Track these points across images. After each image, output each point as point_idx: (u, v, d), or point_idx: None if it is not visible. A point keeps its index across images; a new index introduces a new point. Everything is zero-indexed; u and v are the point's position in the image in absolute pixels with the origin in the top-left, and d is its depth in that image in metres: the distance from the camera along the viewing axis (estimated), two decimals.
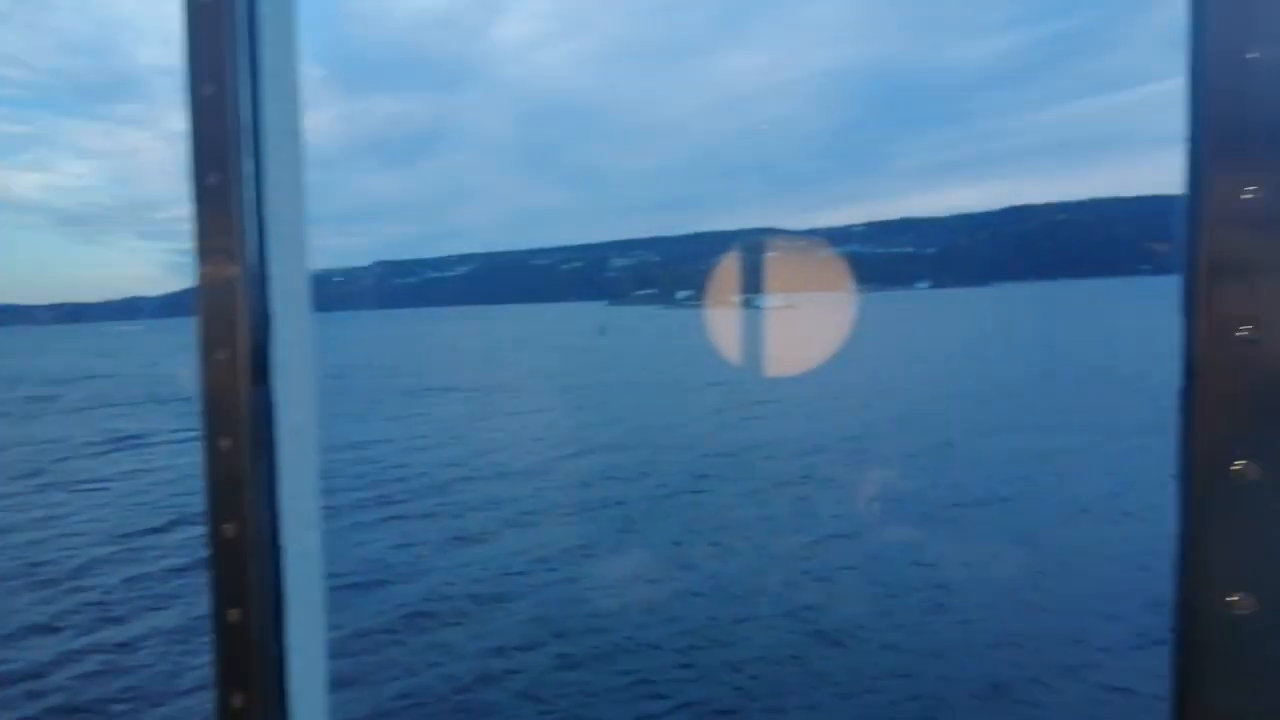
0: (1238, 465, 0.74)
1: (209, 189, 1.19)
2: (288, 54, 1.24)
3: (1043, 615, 10.83)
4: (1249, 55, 0.72)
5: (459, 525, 16.29)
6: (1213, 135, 0.74)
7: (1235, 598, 0.74)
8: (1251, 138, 0.73)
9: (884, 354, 53.48)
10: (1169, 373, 0.78)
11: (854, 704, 8.96)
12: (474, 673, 9.98)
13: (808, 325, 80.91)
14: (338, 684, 8.26)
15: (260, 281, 1.21)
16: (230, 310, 1.19)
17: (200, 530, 1.22)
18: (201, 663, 10.08)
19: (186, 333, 1.33)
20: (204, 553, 1.23)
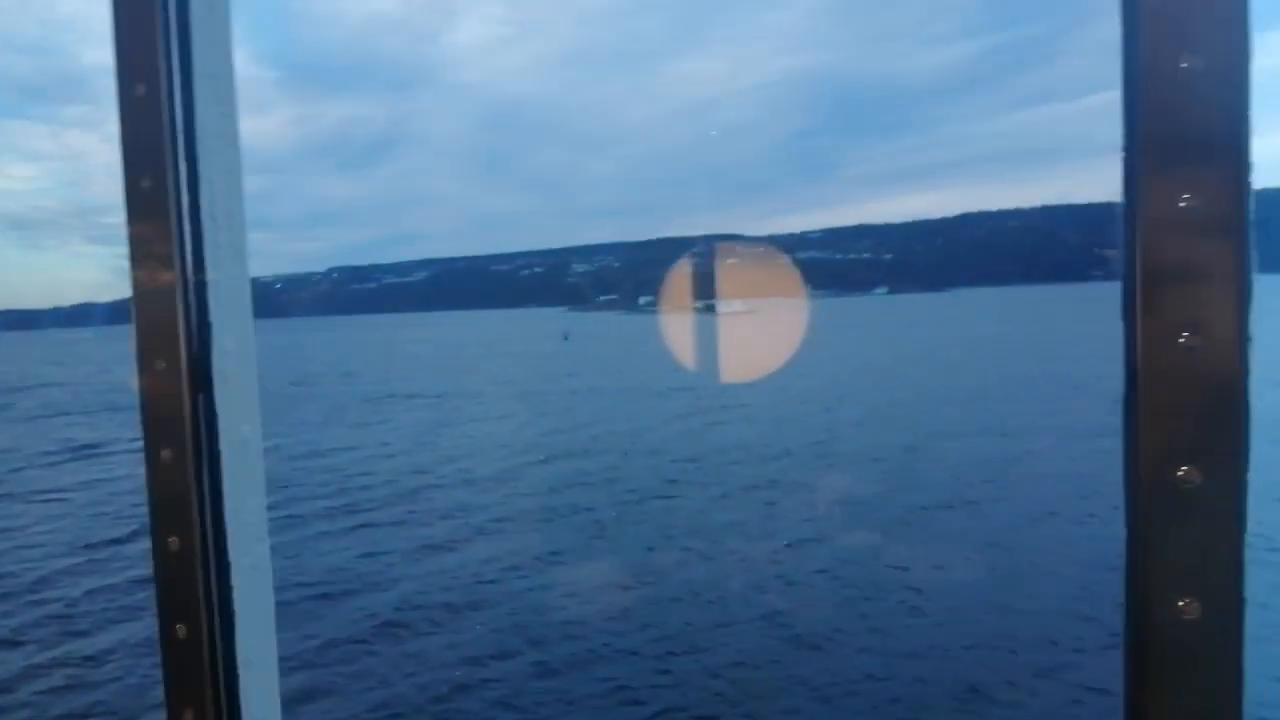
0: (1182, 471, 0.74)
1: (142, 193, 1.16)
2: (222, 55, 1.21)
3: (1015, 617, 10.98)
4: (1182, 64, 0.73)
5: (428, 533, 16.16)
6: (1148, 144, 0.75)
7: (1183, 603, 0.75)
8: (1185, 146, 0.73)
9: (845, 359, 54.00)
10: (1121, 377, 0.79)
11: (833, 708, 9.03)
12: (450, 682, 9.92)
13: (769, 331, 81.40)
14: (314, 695, 8.17)
15: (198, 289, 1.18)
16: (168, 319, 1.17)
17: None
18: None
19: None
20: None
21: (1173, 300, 0.74)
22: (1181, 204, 0.73)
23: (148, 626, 11.49)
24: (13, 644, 11.21)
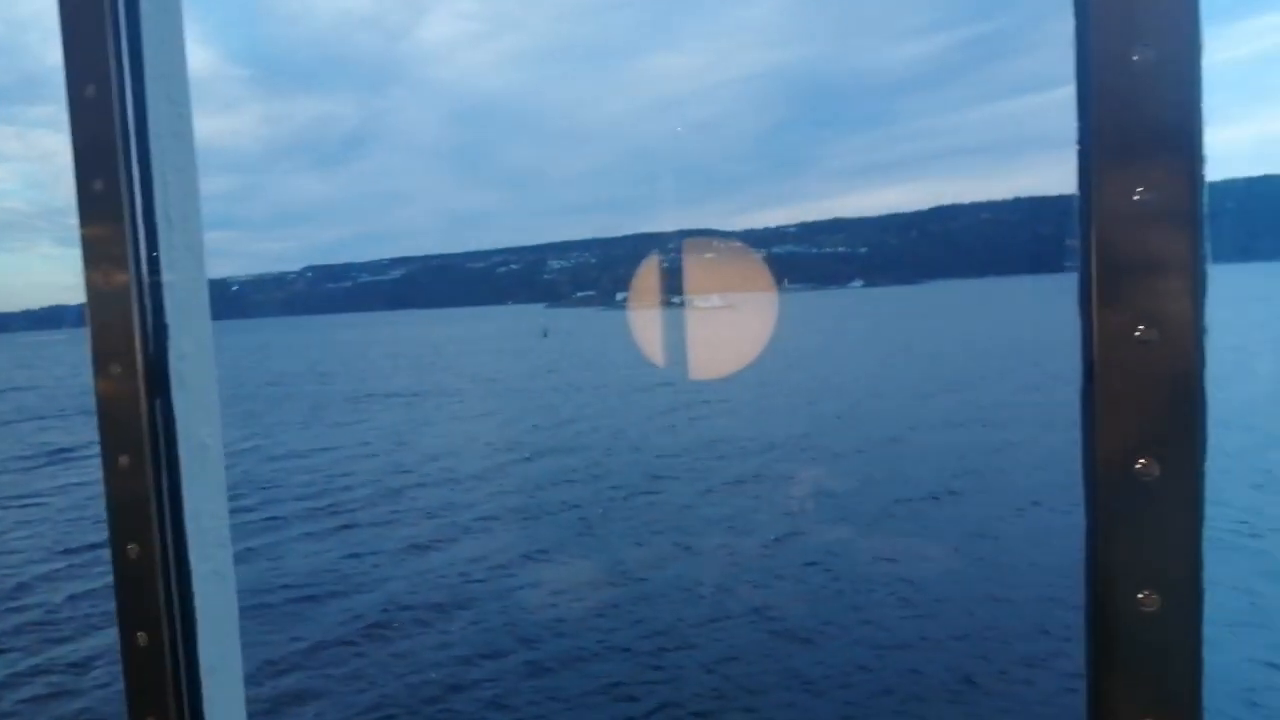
0: (1140, 464, 0.75)
1: (94, 195, 1.15)
2: (174, 54, 1.20)
3: (1004, 607, 11.06)
4: (1134, 57, 0.73)
5: (413, 533, 16.07)
6: (1101, 137, 0.75)
7: (1142, 594, 0.75)
8: (1139, 138, 0.73)
9: (823, 352, 54.26)
10: None
11: (826, 700, 9.06)
12: (440, 682, 9.87)
13: (748, 325, 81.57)
14: (304, 698, 8.08)
15: (154, 291, 1.17)
16: (123, 321, 1.15)
17: None
18: None
19: None
20: None
21: (1129, 293, 0.75)
22: (1136, 197, 0.74)
23: None
24: None
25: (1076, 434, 0.79)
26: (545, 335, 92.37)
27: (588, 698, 9.37)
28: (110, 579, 1.19)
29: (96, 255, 1.16)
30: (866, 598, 11.64)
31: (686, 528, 15.52)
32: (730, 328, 79.23)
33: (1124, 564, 0.76)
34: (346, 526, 16.74)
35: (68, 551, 15.21)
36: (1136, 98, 0.73)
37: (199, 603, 1.19)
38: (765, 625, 10.95)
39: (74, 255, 1.18)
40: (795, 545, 14.03)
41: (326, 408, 37.35)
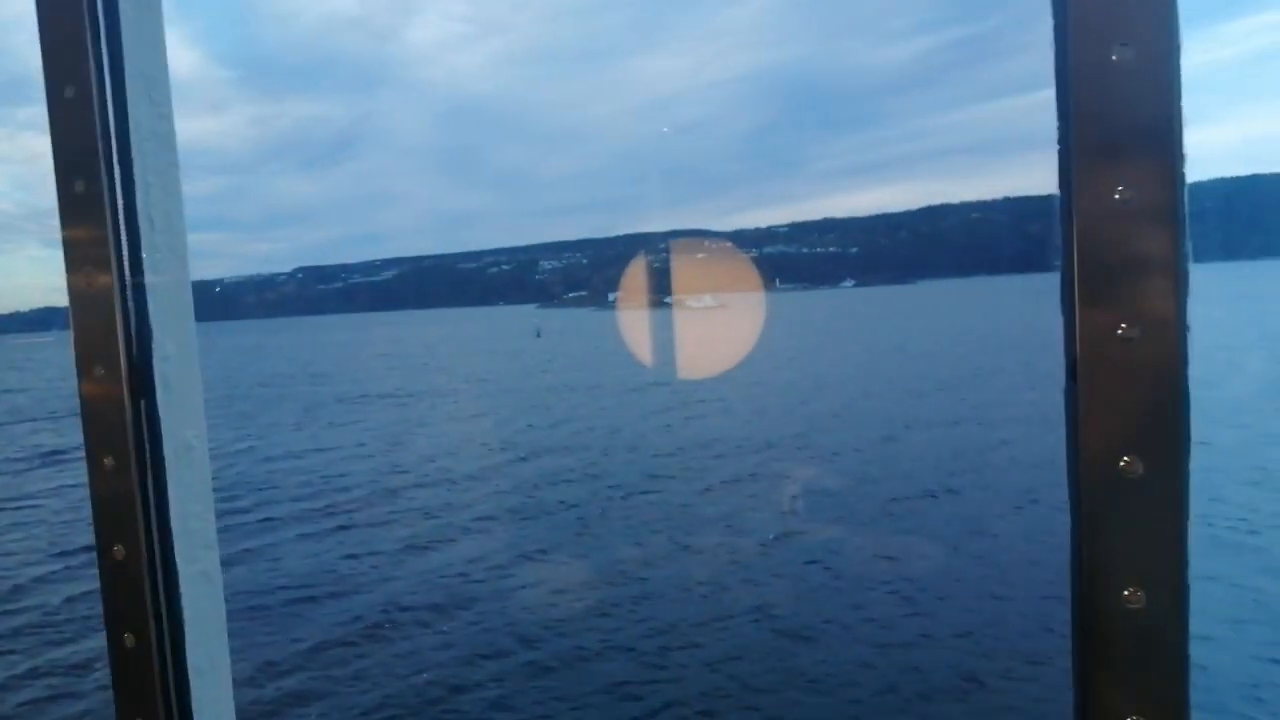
0: (1124, 462, 0.75)
1: (75, 197, 1.15)
2: (154, 54, 1.21)
3: (1004, 604, 11.09)
4: (1113, 56, 0.73)
5: (411, 533, 16.03)
6: (1082, 136, 0.75)
7: (1127, 592, 0.76)
8: (1119, 137, 0.74)
9: (817, 351, 54.34)
10: None
11: (831, 699, 9.06)
12: (442, 683, 9.84)
13: (740, 325, 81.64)
14: (305, 699, 8.03)
15: (136, 292, 1.17)
16: (106, 323, 1.15)
17: None
18: None
19: None
20: None
21: (1111, 292, 0.75)
22: (1117, 196, 0.74)
23: None
24: None
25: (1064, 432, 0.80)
26: (538, 336, 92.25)
27: (590, 697, 9.35)
28: None
29: (78, 257, 1.16)
30: (866, 596, 11.64)
31: (685, 527, 15.51)
32: (723, 327, 79.28)
33: (1109, 561, 0.76)
34: (343, 527, 16.68)
35: (64, 554, 15.14)
36: (1116, 97, 0.74)
37: (186, 604, 1.19)
38: (767, 624, 10.94)
39: (61, 257, 1.18)
40: (794, 544, 14.04)
41: (320, 409, 37.19)
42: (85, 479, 1.20)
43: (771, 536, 14.44)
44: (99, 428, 1.17)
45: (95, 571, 1.15)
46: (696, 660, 10.02)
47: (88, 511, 1.22)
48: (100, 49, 1.14)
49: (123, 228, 1.16)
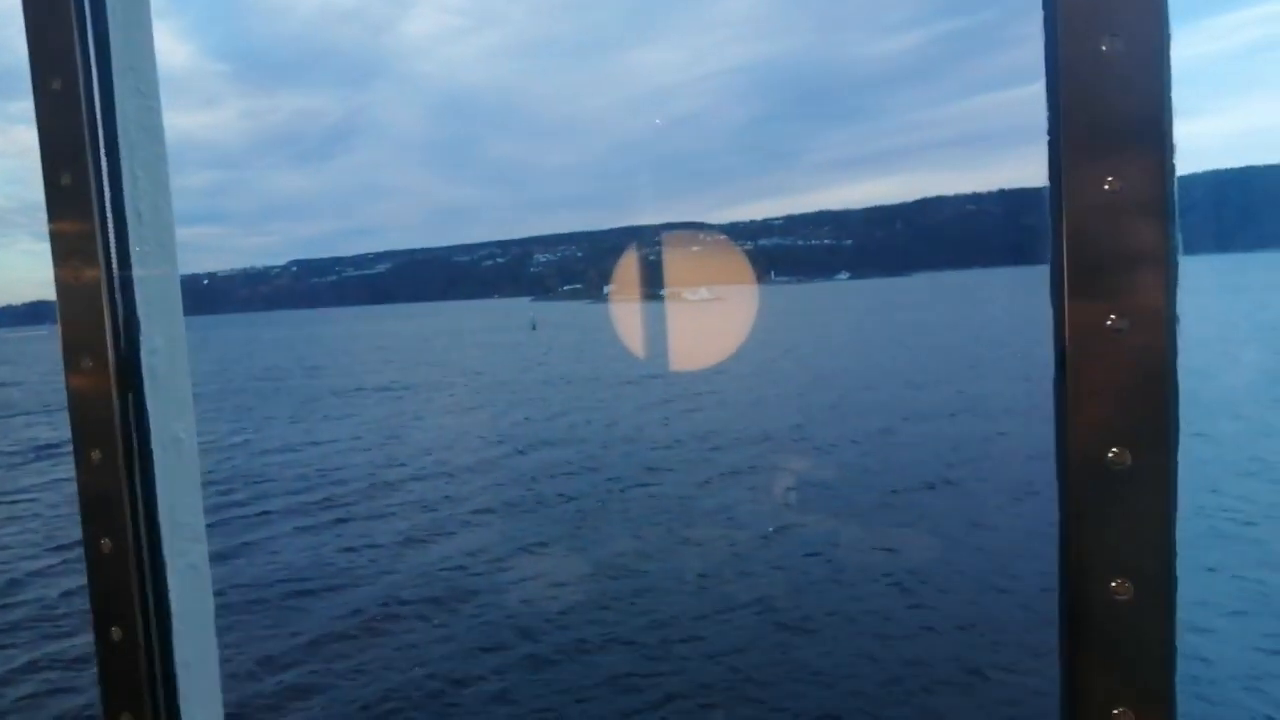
0: (1112, 453, 0.75)
1: (62, 190, 1.15)
2: (142, 47, 1.20)
3: (1005, 597, 11.08)
4: (1103, 47, 0.73)
5: (409, 526, 16.02)
6: (1071, 127, 0.75)
7: (1115, 583, 0.76)
8: (1109, 128, 0.74)
9: (813, 343, 54.40)
10: None
11: (834, 692, 9.06)
12: (445, 676, 9.83)
13: (737, 317, 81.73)
14: (306, 693, 7.98)
15: (124, 286, 1.17)
16: (93, 316, 1.15)
17: None
18: None
19: None
20: None
21: (1100, 283, 0.75)
22: (1106, 186, 0.74)
23: None
24: None
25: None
26: (534, 328, 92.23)
27: (591, 690, 9.34)
28: None
29: (65, 250, 1.16)
30: (868, 588, 11.64)
31: (685, 519, 15.50)
32: (719, 320, 79.33)
33: (1097, 553, 0.76)
34: (341, 520, 16.66)
35: (60, 548, 15.08)
36: (1105, 87, 0.73)
37: (174, 597, 1.19)
38: (769, 616, 10.94)
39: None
40: (794, 536, 14.03)
41: (317, 402, 37.16)
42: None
43: (771, 529, 14.44)
44: (86, 421, 1.17)
45: None
46: (698, 653, 10.00)
47: None
48: (87, 41, 1.13)
49: (110, 220, 1.15)
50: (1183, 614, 0.75)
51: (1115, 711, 0.77)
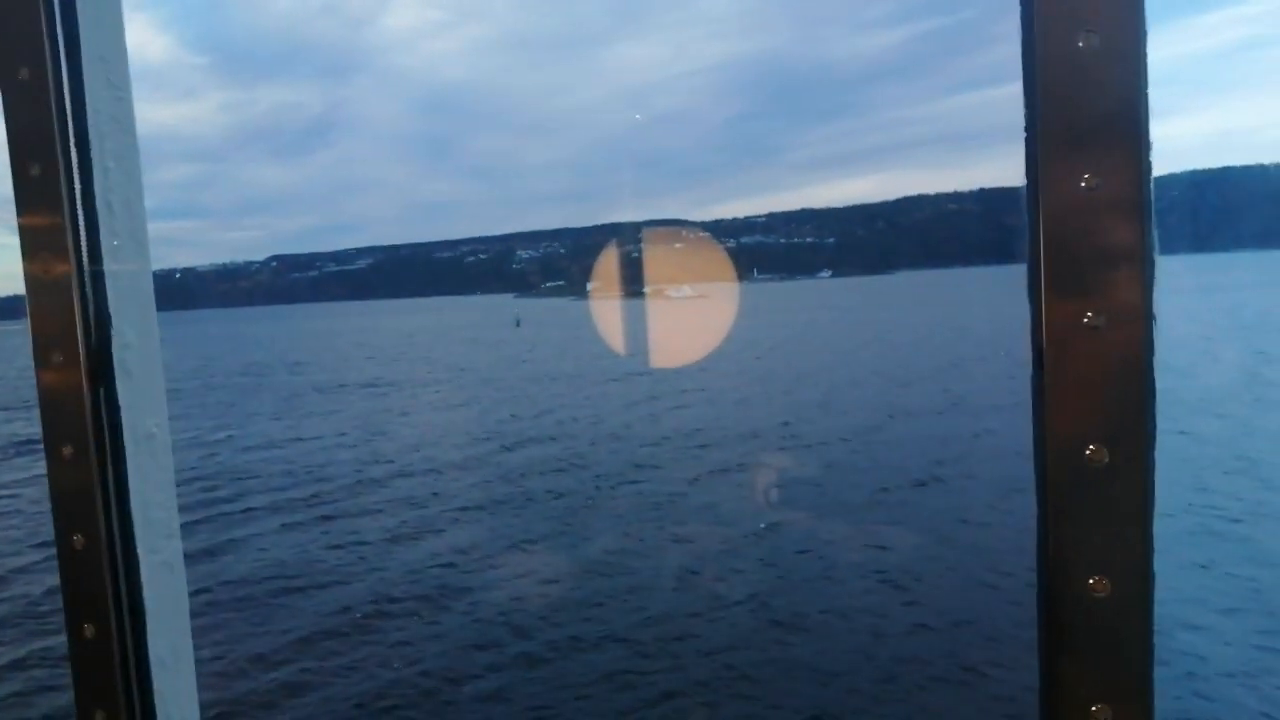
0: (1090, 451, 0.75)
1: (31, 182, 1.13)
2: (112, 36, 1.18)
3: (995, 594, 11.13)
4: (1079, 43, 0.73)
5: (397, 523, 15.93)
6: (1048, 124, 0.75)
7: (1093, 580, 0.76)
8: (1086, 125, 0.73)
9: (798, 341, 54.58)
10: None
11: (830, 689, 9.07)
12: (438, 674, 9.78)
13: (721, 314, 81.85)
14: (297, 691, 7.91)
15: (95, 279, 1.15)
16: (64, 310, 1.14)
17: None
18: None
19: None
20: None
21: (1078, 281, 0.75)
22: (1083, 183, 0.74)
23: None
24: None
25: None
26: (518, 325, 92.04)
27: (584, 688, 9.31)
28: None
29: (35, 243, 1.14)
30: (860, 585, 11.67)
31: (675, 517, 15.49)
32: (703, 317, 79.43)
33: (1075, 550, 0.76)
34: (327, 517, 16.55)
35: (43, 545, 14.88)
36: (1082, 84, 0.73)
37: (148, 594, 1.17)
38: (762, 614, 10.94)
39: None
40: (785, 534, 14.05)
41: (300, 398, 36.92)
42: None
43: (762, 526, 14.46)
44: (57, 416, 1.15)
45: None
46: (691, 650, 9.99)
47: None
48: (56, 29, 1.11)
49: (80, 213, 1.14)
50: (1161, 610, 0.75)
51: (1094, 708, 0.77)
